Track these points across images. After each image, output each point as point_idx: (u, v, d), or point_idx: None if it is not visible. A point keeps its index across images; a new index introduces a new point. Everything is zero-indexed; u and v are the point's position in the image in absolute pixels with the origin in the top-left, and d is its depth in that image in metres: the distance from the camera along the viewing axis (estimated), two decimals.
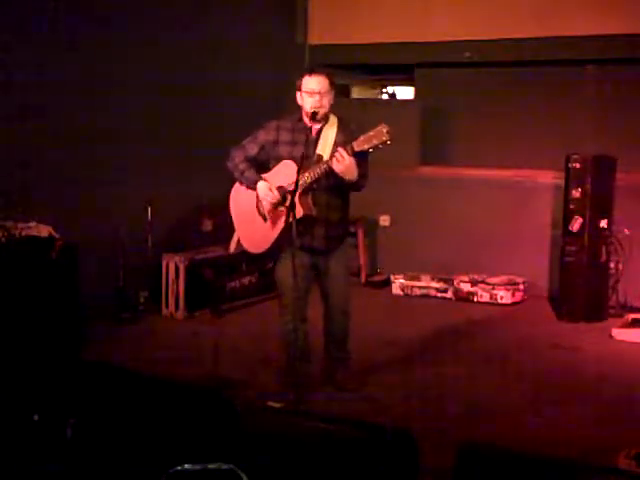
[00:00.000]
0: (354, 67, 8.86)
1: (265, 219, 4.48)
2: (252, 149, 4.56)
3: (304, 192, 4.30)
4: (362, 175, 4.33)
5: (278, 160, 4.46)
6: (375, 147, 4.14)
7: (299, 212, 4.27)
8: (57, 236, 5.43)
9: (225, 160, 4.63)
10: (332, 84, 4.46)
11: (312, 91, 4.36)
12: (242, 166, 4.54)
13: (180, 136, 6.92)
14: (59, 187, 5.88)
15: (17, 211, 5.36)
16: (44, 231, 5.40)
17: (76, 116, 6.10)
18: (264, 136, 4.54)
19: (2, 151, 5.63)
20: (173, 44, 6.88)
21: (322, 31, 8.48)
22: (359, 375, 4.93)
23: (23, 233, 5.30)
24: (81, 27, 6.14)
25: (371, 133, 4.14)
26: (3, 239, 5.17)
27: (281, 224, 4.38)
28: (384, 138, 4.11)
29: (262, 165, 4.58)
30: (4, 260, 5.12)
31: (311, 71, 4.49)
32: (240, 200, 4.61)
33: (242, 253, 4.84)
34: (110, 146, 6.33)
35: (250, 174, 4.52)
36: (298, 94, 4.46)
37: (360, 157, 4.25)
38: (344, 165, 4.18)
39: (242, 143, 4.61)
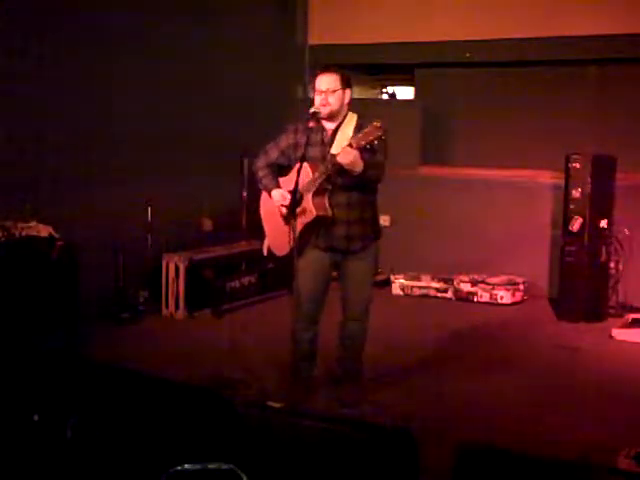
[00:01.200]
0: (354, 67, 8.84)
1: (285, 222, 4.49)
2: (273, 154, 4.58)
3: (318, 192, 4.30)
4: (372, 166, 4.28)
5: (298, 162, 4.46)
6: (371, 143, 4.14)
7: (312, 213, 4.28)
8: (57, 236, 5.43)
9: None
10: (345, 82, 4.42)
11: (318, 90, 4.37)
12: (261, 173, 4.58)
13: (180, 136, 6.92)
14: (59, 187, 5.88)
15: (17, 211, 5.37)
16: (44, 231, 5.40)
17: (76, 116, 6.10)
18: (284, 141, 4.56)
19: (2, 151, 5.63)
20: (173, 44, 6.88)
21: (322, 31, 8.48)
22: (361, 388, 4.78)
23: (23, 233, 5.29)
24: (81, 28, 6.14)
25: (367, 130, 4.15)
26: (3, 239, 5.17)
27: (300, 224, 4.36)
28: (378, 133, 4.13)
29: (287, 169, 4.58)
30: (4, 260, 5.12)
31: (322, 69, 4.47)
32: (268, 205, 4.64)
33: (242, 253, 4.84)
34: (110, 146, 6.33)
35: (267, 181, 4.56)
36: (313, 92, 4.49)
37: (368, 150, 4.23)
38: (349, 160, 4.14)
39: (266, 147, 4.63)
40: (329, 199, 4.35)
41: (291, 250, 4.36)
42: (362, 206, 4.49)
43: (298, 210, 4.32)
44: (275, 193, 4.49)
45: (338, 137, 4.40)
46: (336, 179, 4.34)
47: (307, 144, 4.32)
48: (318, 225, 4.36)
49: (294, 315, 4.55)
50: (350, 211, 4.43)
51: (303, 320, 4.50)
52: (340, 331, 4.67)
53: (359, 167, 4.20)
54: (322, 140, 4.40)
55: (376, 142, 4.14)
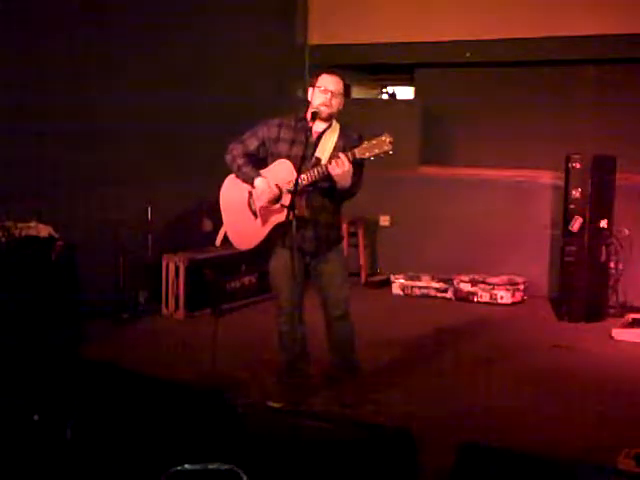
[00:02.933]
0: (354, 67, 8.85)
1: (255, 216, 4.47)
2: (251, 144, 4.53)
3: (298, 193, 4.29)
4: (355, 183, 4.31)
5: (276, 157, 4.45)
6: (376, 156, 4.14)
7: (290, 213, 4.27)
8: (57, 236, 5.43)
9: (224, 154, 4.59)
10: (345, 89, 4.46)
11: (326, 89, 4.35)
12: (240, 161, 4.51)
13: (180, 136, 6.91)
14: (59, 187, 5.88)
15: (17, 211, 5.37)
16: (44, 231, 5.40)
17: (76, 116, 6.10)
18: (265, 132, 4.51)
19: (2, 151, 5.62)
20: (173, 44, 6.88)
21: (322, 31, 8.48)
22: (361, 388, 4.78)
23: (23, 233, 5.30)
24: (81, 27, 6.14)
25: (374, 142, 4.14)
26: (3, 239, 5.18)
27: (272, 222, 4.36)
28: (386, 148, 4.11)
29: (260, 161, 4.55)
30: (4, 260, 5.12)
31: (330, 70, 4.47)
32: (231, 194, 4.58)
33: (242, 253, 4.82)
34: (110, 146, 6.33)
35: (248, 169, 4.49)
36: (310, 90, 4.44)
37: (357, 165, 4.25)
38: (342, 170, 4.16)
39: (242, 137, 4.58)
40: (306, 200, 4.35)
41: (257, 245, 4.39)
42: (333, 211, 4.51)
43: (275, 207, 4.32)
44: (259, 181, 4.40)
45: (322, 142, 4.39)
46: (321, 183, 4.34)
47: (305, 142, 4.31)
48: (290, 225, 4.33)
49: (279, 318, 4.56)
50: (322, 214, 4.43)
51: (289, 322, 4.49)
52: (327, 333, 4.67)
53: (346, 182, 4.23)
54: (306, 140, 4.33)
55: (382, 156, 4.14)
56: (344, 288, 4.64)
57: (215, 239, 6.73)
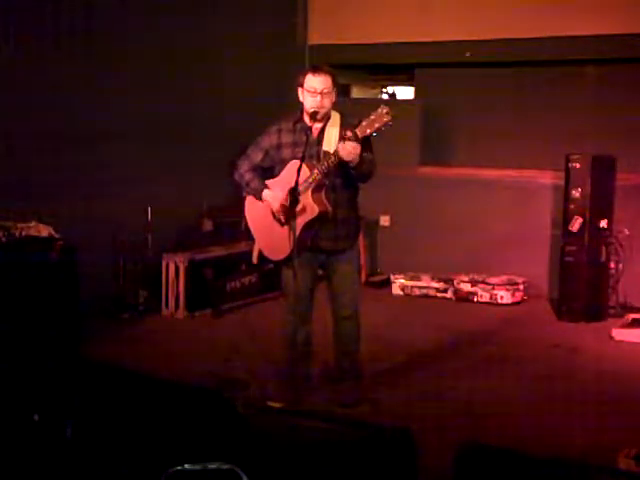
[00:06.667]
0: (354, 67, 8.85)
1: (282, 224, 4.40)
2: (257, 156, 4.51)
3: (316, 189, 4.25)
4: (368, 160, 4.27)
5: (283, 163, 4.41)
6: (378, 130, 4.09)
7: (314, 210, 4.23)
8: (57, 236, 5.43)
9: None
10: (335, 83, 4.39)
11: (314, 90, 4.30)
12: (247, 177, 4.50)
13: (180, 136, 6.92)
14: (59, 187, 5.88)
15: (17, 211, 5.37)
16: (44, 231, 5.40)
17: (76, 116, 6.10)
18: (267, 141, 4.49)
19: (3, 151, 5.62)
20: (173, 44, 6.89)
21: (322, 31, 8.48)
22: (360, 389, 4.78)
23: (23, 233, 5.30)
24: (81, 28, 6.15)
25: (372, 117, 4.08)
26: (3, 239, 5.18)
27: (299, 225, 4.28)
28: (385, 119, 4.06)
29: (269, 171, 4.53)
30: (4, 260, 5.12)
31: (315, 69, 4.39)
32: (255, 210, 4.55)
33: (242, 253, 4.82)
34: (110, 146, 6.33)
35: (255, 184, 4.47)
36: (299, 90, 4.39)
37: (363, 144, 4.21)
38: (351, 148, 4.09)
39: (247, 152, 4.56)
40: (326, 194, 4.33)
41: (291, 252, 4.28)
42: (348, 205, 4.49)
43: (297, 209, 4.30)
44: (266, 194, 4.42)
45: (326, 136, 4.37)
46: (331, 178, 4.32)
47: (306, 143, 4.30)
48: (317, 222, 4.32)
49: (286, 317, 4.56)
50: (337, 210, 4.41)
51: (296, 321, 4.49)
52: (334, 331, 4.67)
53: (357, 161, 4.17)
54: (306, 140, 4.30)
55: (383, 129, 4.09)
56: (354, 289, 4.64)
57: (213, 237, 6.74)
